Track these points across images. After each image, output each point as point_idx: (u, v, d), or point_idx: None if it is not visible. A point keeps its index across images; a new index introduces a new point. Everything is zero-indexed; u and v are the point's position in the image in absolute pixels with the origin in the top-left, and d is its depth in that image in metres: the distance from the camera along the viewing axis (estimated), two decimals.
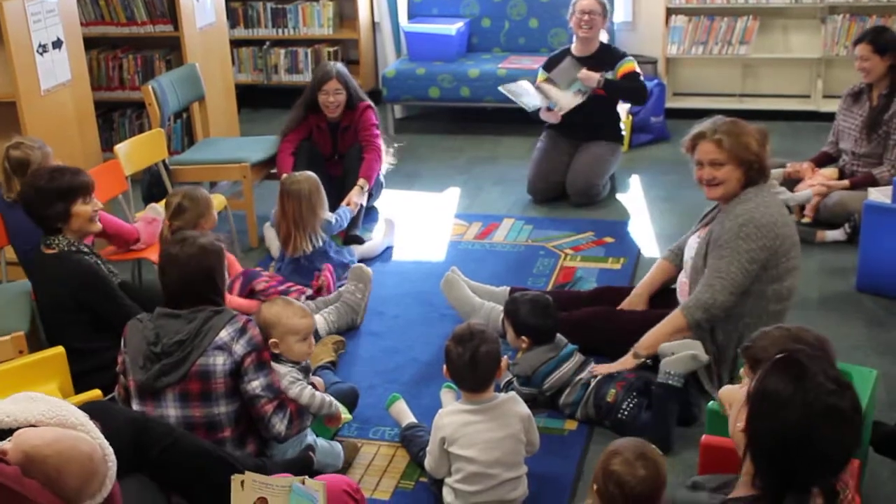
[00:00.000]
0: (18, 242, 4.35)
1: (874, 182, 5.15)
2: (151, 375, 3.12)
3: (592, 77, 5.74)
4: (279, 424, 3.20)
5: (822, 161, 5.54)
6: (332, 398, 3.48)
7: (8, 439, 2.13)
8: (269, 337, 3.37)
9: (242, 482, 2.60)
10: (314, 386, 3.49)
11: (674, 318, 3.76)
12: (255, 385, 3.17)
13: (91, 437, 2.21)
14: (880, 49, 5.17)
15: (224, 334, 3.14)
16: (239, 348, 3.14)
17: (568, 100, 5.83)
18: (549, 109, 5.91)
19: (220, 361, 3.12)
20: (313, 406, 3.38)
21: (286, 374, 3.39)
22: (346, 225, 5.22)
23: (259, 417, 3.21)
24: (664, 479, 2.48)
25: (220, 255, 3.31)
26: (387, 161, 5.82)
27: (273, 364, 3.34)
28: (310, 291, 4.62)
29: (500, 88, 6.06)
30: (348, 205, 5.29)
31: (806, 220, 5.25)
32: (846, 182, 5.26)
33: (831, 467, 2.07)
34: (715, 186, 3.74)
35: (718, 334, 3.76)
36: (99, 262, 3.90)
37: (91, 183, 3.88)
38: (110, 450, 2.25)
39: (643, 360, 3.80)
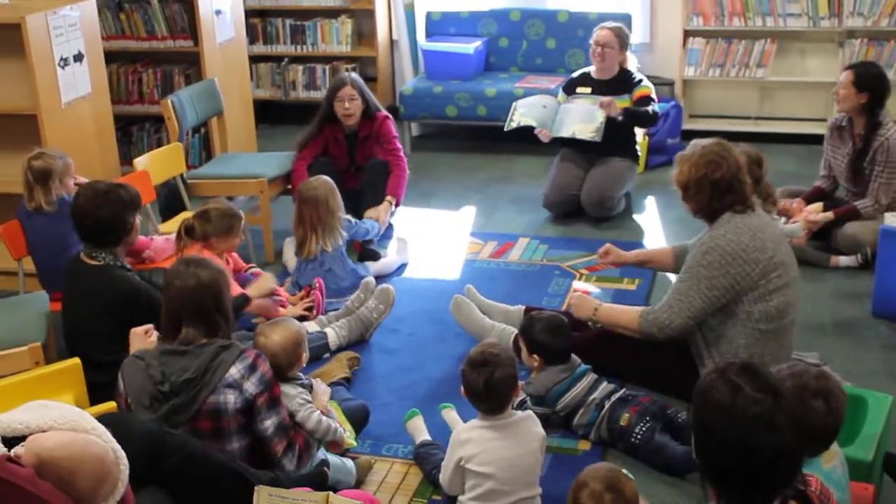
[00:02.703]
0: (37, 252, 4.38)
1: (857, 215, 5.12)
2: (161, 416, 3.07)
3: (616, 107, 5.78)
4: (289, 464, 3.21)
5: (815, 197, 5.41)
6: (337, 425, 3.46)
7: (21, 444, 2.15)
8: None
9: (269, 494, 2.58)
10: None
11: (630, 317, 3.91)
12: (268, 425, 3.15)
13: (103, 441, 2.22)
14: (859, 83, 5.08)
15: (234, 371, 3.09)
16: (251, 387, 3.10)
17: (577, 128, 5.87)
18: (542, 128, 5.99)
19: (231, 399, 3.08)
20: (318, 432, 3.38)
21: (296, 397, 3.38)
22: (375, 236, 5.22)
23: (270, 456, 3.20)
24: None
25: (224, 279, 3.30)
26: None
27: (282, 387, 3.33)
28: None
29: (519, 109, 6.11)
30: (377, 220, 5.32)
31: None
32: (830, 215, 5.16)
33: (777, 476, 2.10)
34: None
35: (714, 356, 3.77)
36: (137, 277, 3.97)
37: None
38: (122, 453, 2.26)
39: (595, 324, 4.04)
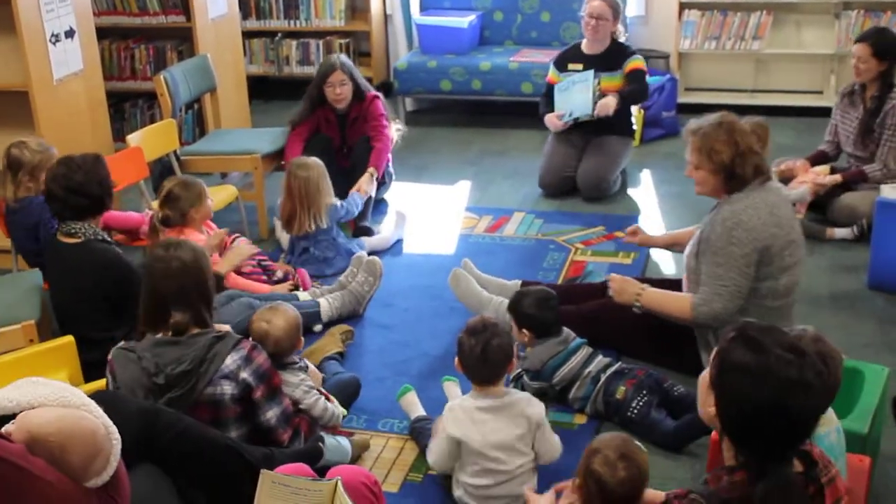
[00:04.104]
0: (17, 238, 4.36)
1: (865, 178, 5.14)
2: None
3: (610, 106, 5.71)
4: None
5: (818, 160, 5.46)
6: (340, 410, 3.48)
7: (11, 422, 2.15)
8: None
9: (273, 481, 2.54)
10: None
11: (681, 305, 3.74)
12: (270, 416, 3.14)
13: (94, 416, 2.22)
14: (879, 52, 5.09)
15: (230, 361, 3.05)
16: (246, 377, 3.07)
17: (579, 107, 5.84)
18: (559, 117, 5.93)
19: (228, 390, 3.05)
20: (324, 418, 3.38)
21: (299, 384, 3.38)
22: (357, 212, 5.23)
23: (276, 445, 3.18)
24: (646, 477, 2.51)
25: (206, 260, 3.24)
26: (395, 135, 5.82)
27: (283, 375, 3.32)
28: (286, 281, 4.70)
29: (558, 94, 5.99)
30: (358, 191, 5.30)
31: (799, 216, 5.19)
32: (838, 177, 5.21)
33: (803, 431, 2.13)
34: (697, 185, 3.77)
35: (719, 331, 3.75)
36: (118, 249, 3.93)
37: None
38: (114, 428, 2.26)
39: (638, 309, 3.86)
